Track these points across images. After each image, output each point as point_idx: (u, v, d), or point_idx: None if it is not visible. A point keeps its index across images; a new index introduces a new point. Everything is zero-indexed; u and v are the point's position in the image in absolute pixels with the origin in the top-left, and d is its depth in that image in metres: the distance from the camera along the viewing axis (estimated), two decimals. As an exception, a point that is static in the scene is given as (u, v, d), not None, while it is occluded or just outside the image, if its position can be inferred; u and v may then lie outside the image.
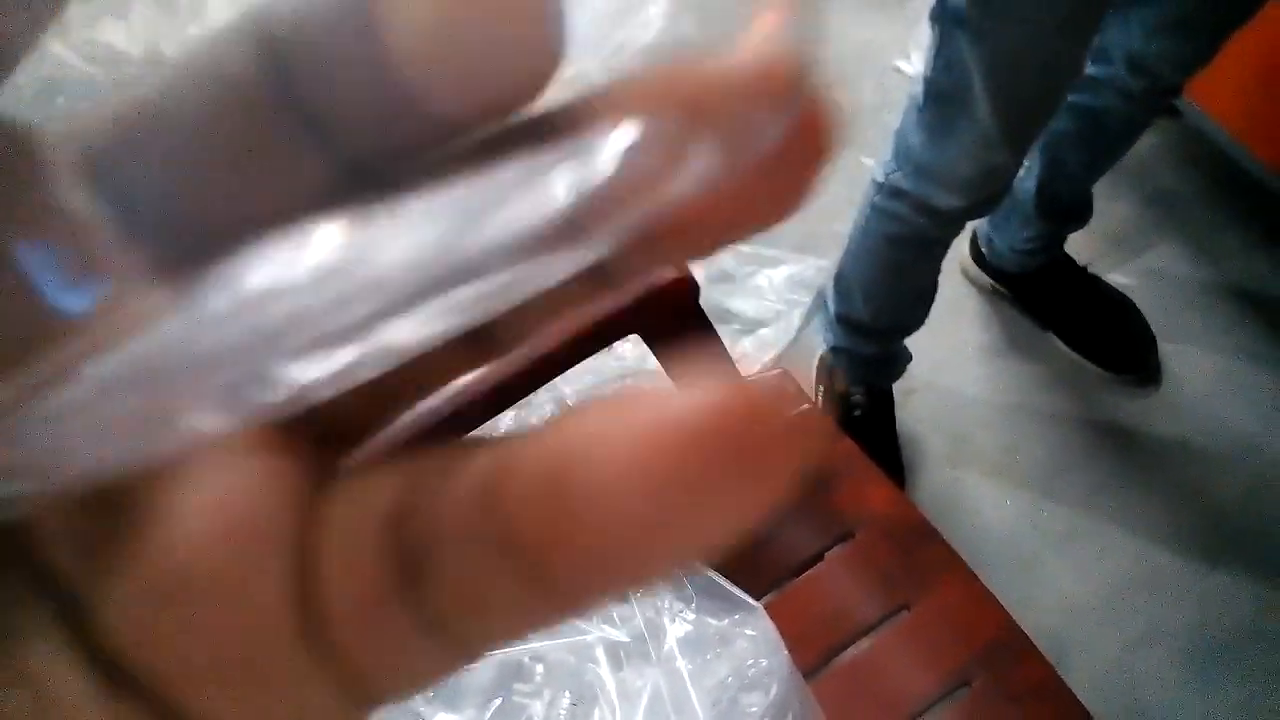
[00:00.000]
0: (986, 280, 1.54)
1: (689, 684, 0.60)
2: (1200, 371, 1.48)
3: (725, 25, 0.15)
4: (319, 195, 0.11)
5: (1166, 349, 1.49)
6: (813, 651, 0.86)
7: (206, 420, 0.11)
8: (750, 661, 0.60)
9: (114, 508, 0.12)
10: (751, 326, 1.56)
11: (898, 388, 1.43)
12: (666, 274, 0.71)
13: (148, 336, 0.11)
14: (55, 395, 0.10)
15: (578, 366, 0.68)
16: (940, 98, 1.02)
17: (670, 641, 0.63)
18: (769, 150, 0.12)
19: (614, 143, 0.11)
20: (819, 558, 0.91)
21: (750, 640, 0.62)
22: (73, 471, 0.10)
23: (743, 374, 0.97)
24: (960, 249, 1.54)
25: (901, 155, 1.12)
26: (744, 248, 1.76)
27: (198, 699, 0.12)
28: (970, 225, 1.50)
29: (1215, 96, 1.49)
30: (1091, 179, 1.34)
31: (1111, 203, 1.64)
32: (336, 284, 0.11)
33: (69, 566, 0.12)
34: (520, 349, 0.14)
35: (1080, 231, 1.52)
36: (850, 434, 1.39)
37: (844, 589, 0.90)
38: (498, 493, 0.11)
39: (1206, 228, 1.61)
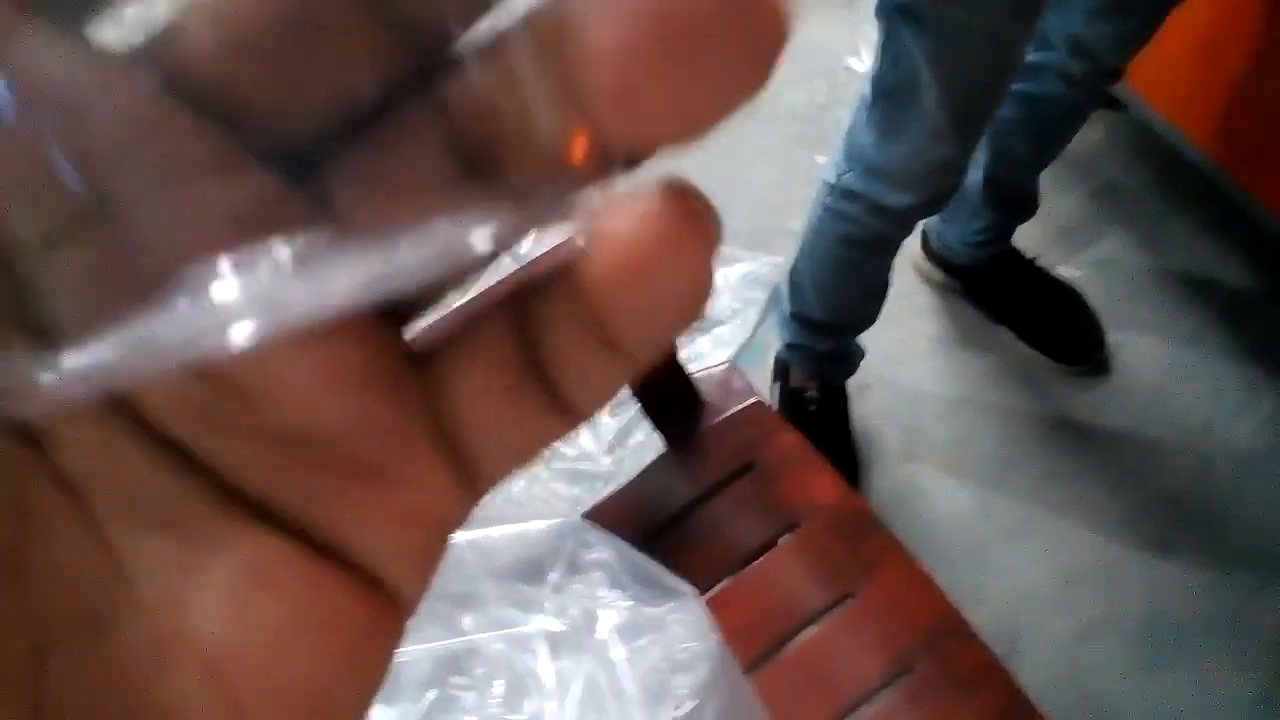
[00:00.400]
0: (938, 274, 1.55)
1: (621, 669, 0.60)
2: (1149, 360, 1.50)
3: None
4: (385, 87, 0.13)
5: (1116, 338, 1.51)
6: (759, 641, 0.86)
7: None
8: (682, 646, 0.60)
9: (224, 389, 0.14)
10: (708, 325, 1.56)
11: (853, 383, 1.44)
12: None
13: None
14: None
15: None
16: (889, 94, 1.03)
17: (604, 629, 0.64)
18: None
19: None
20: (765, 549, 0.91)
21: (682, 625, 0.62)
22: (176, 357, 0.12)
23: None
24: (912, 245, 1.55)
25: (852, 156, 1.13)
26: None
27: (334, 513, 0.15)
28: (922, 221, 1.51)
29: (1154, 85, 1.51)
30: (1038, 168, 1.35)
31: (1061, 195, 1.66)
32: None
33: (193, 433, 0.14)
34: None
35: (1030, 224, 1.54)
36: (806, 429, 1.40)
37: (790, 579, 0.90)
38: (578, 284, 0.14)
39: (1154, 218, 1.63)
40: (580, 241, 0.14)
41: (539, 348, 0.14)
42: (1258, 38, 1.32)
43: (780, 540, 0.91)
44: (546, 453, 0.16)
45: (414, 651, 0.64)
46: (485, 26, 0.13)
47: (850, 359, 1.40)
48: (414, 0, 0.12)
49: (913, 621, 0.86)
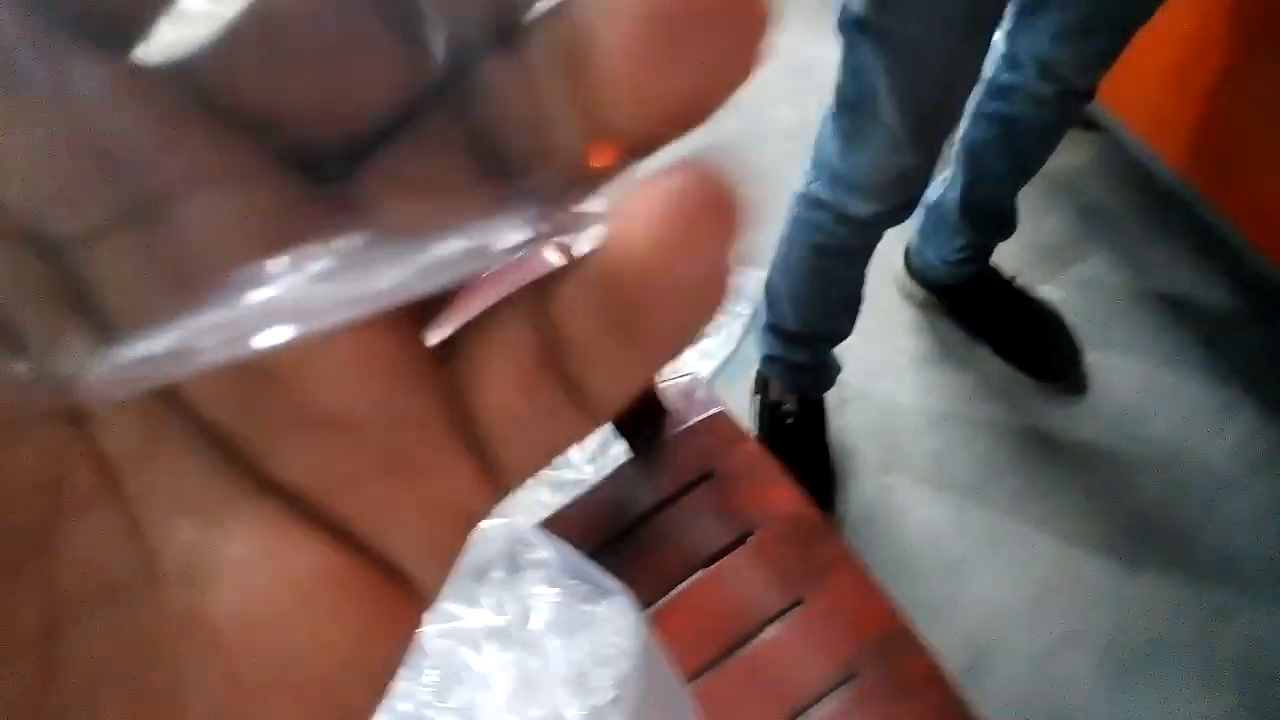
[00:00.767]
0: (920, 291, 1.57)
1: (551, 661, 0.62)
2: (1126, 379, 1.51)
3: None
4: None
5: (1094, 358, 1.52)
6: (709, 646, 0.88)
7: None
8: (609, 641, 0.62)
9: (261, 377, 0.15)
10: (691, 337, 1.58)
11: (832, 397, 1.46)
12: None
13: None
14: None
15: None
16: (849, 105, 1.05)
17: (538, 624, 0.66)
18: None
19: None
20: (720, 556, 0.93)
21: (611, 622, 0.64)
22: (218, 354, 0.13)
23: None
24: (895, 262, 1.57)
25: (819, 165, 1.15)
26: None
27: (357, 501, 0.15)
28: (904, 238, 1.53)
29: (1128, 107, 1.53)
30: (1014, 187, 1.37)
31: (1043, 216, 1.68)
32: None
33: (229, 418, 0.15)
34: None
35: (1013, 244, 1.55)
36: (784, 442, 1.42)
37: (741, 586, 0.92)
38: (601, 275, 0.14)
39: (1135, 240, 1.64)
40: (599, 233, 0.14)
41: (559, 340, 0.15)
42: (1225, 62, 1.34)
43: (734, 547, 0.93)
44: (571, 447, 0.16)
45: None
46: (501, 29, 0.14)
47: (826, 371, 1.42)
48: (438, 16, 0.13)
49: (861, 629, 0.88)
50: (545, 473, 0.18)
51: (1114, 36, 1.11)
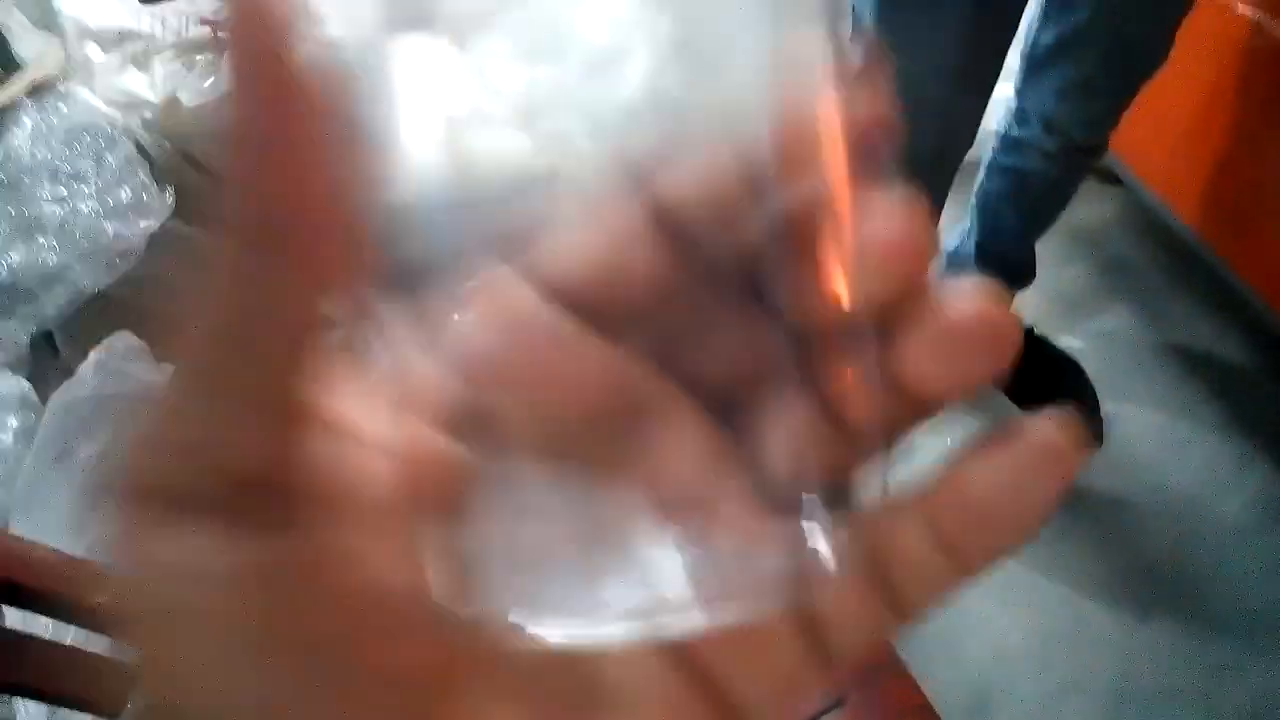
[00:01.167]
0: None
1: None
2: (1144, 431, 1.52)
3: (708, 81, 0.19)
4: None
5: (1113, 409, 1.53)
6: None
7: None
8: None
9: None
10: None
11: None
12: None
13: None
14: None
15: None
16: None
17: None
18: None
19: None
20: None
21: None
22: None
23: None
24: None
25: None
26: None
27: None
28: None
29: (1145, 162, 1.56)
30: (1028, 238, 1.40)
31: (1067, 268, 1.70)
32: None
33: None
34: None
35: (1034, 294, 1.58)
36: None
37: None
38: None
39: (1156, 293, 1.66)
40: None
41: (889, 556, 0.18)
42: (1237, 124, 1.37)
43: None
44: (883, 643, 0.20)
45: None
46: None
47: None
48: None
49: (849, 658, 0.90)
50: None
51: (1115, 97, 1.14)
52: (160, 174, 1.37)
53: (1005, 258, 1.43)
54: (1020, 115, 1.21)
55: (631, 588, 0.17)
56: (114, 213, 1.31)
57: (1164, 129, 1.48)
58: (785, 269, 0.17)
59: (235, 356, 0.16)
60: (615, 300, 0.17)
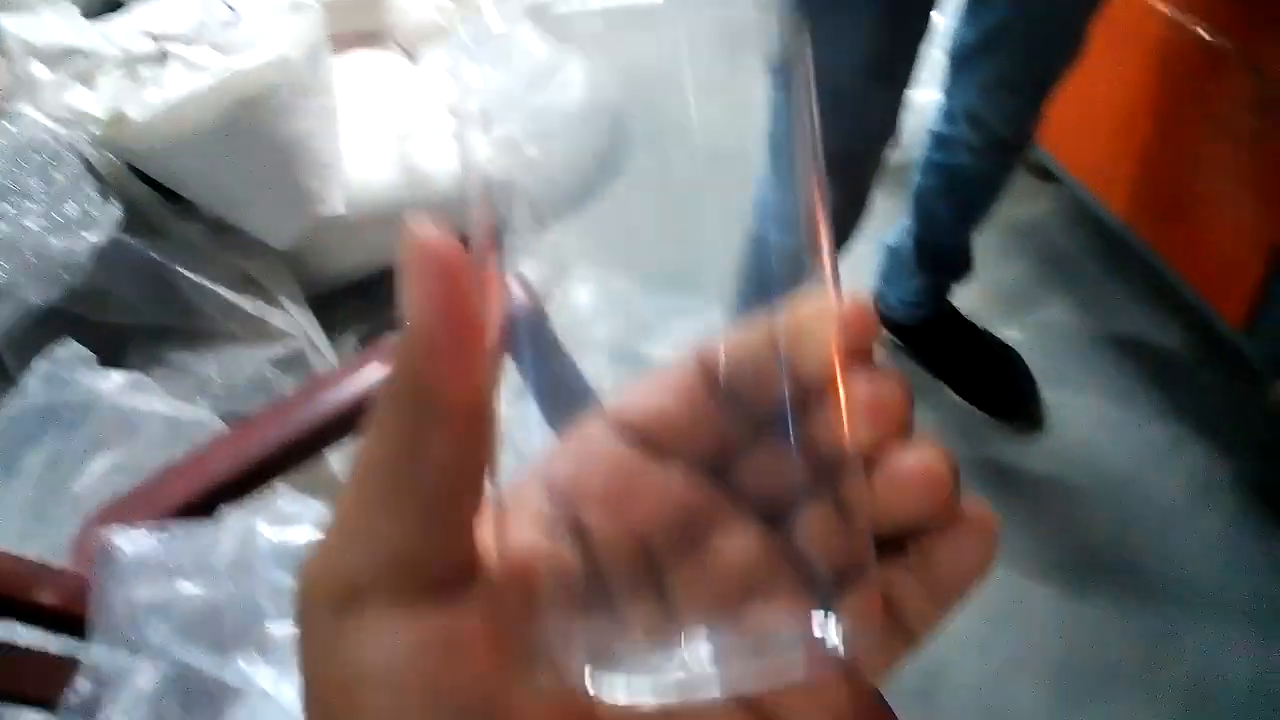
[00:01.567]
0: (882, 332, 1.63)
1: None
2: (1082, 417, 1.57)
3: (650, 91, 0.24)
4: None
5: (1052, 396, 1.58)
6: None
7: None
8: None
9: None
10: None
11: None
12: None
13: None
14: None
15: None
16: (774, 145, 1.13)
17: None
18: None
19: None
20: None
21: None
22: None
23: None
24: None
25: (757, 204, 1.23)
26: (660, 296, 1.87)
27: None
28: (869, 282, 1.61)
29: (1076, 158, 1.61)
30: (963, 232, 1.44)
31: (1006, 262, 1.75)
32: None
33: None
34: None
35: (975, 289, 1.63)
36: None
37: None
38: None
39: (1092, 285, 1.71)
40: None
41: (898, 606, 0.25)
42: (1161, 119, 1.42)
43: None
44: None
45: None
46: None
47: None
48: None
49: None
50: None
51: (1034, 93, 1.18)
52: (108, 188, 1.38)
53: (942, 252, 1.47)
54: (948, 113, 1.25)
55: (673, 666, 0.22)
56: (61, 228, 1.32)
57: (1093, 126, 1.53)
58: (802, 420, 0.23)
59: (398, 483, 0.21)
60: (678, 436, 0.24)
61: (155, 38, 1.47)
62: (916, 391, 0.26)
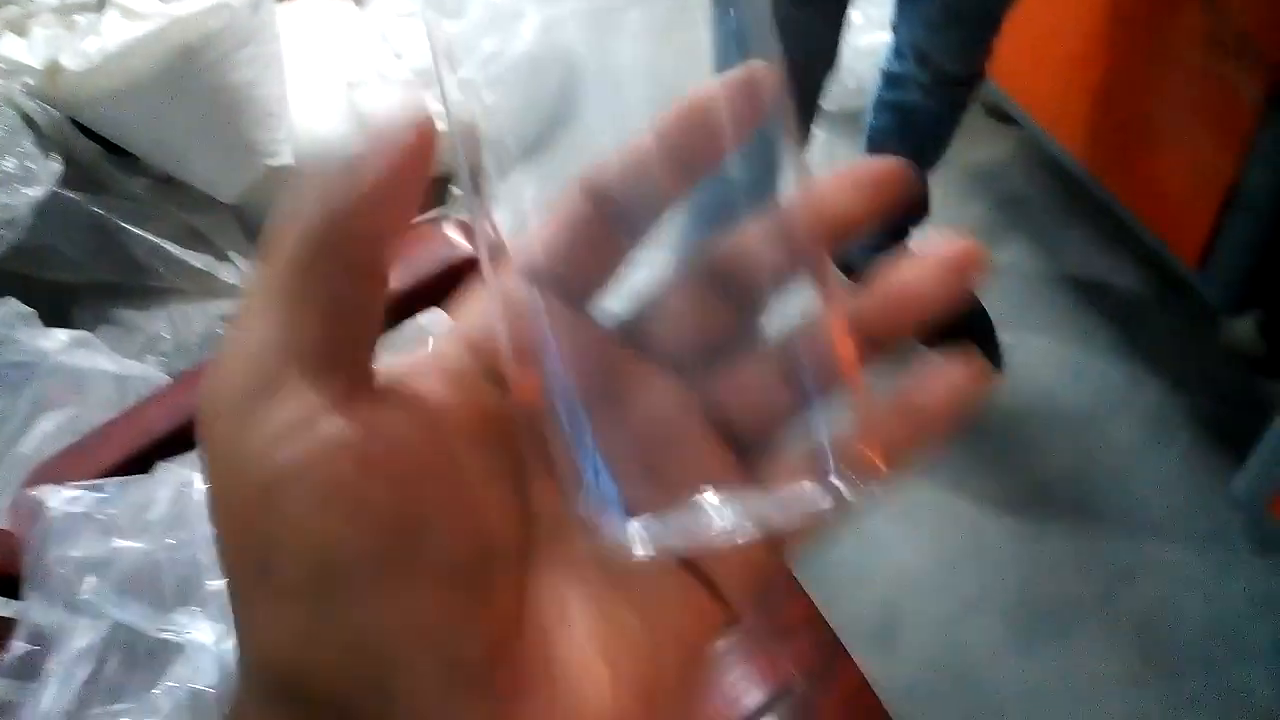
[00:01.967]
0: (842, 278, 1.63)
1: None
2: (1040, 358, 1.58)
3: (603, 35, 0.24)
4: None
5: (1011, 338, 1.58)
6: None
7: None
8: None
9: None
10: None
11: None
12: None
13: None
14: None
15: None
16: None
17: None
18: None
19: None
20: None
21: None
22: None
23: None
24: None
25: None
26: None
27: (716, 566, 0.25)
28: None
29: (1033, 98, 1.60)
30: (918, 174, 1.43)
31: (965, 205, 1.75)
32: None
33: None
34: None
35: (933, 233, 1.62)
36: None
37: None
38: None
39: (1050, 227, 1.71)
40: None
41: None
42: (1117, 55, 1.41)
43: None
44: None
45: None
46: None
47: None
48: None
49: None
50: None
51: (979, 25, 1.17)
52: (47, 142, 1.34)
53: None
54: (896, 50, 1.24)
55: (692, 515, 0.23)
56: (-1, 183, 1.28)
57: (1048, 64, 1.52)
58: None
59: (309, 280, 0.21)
60: (580, 271, 0.25)
61: (91, -16, 1.43)
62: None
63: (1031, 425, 1.51)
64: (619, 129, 0.25)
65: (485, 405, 0.23)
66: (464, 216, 0.97)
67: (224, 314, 1.35)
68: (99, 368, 1.19)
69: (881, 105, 1.32)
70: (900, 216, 1.51)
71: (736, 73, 0.24)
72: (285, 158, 1.43)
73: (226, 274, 1.38)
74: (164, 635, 0.60)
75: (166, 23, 1.31)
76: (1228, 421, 1.48)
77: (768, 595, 0.93)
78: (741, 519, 0.22)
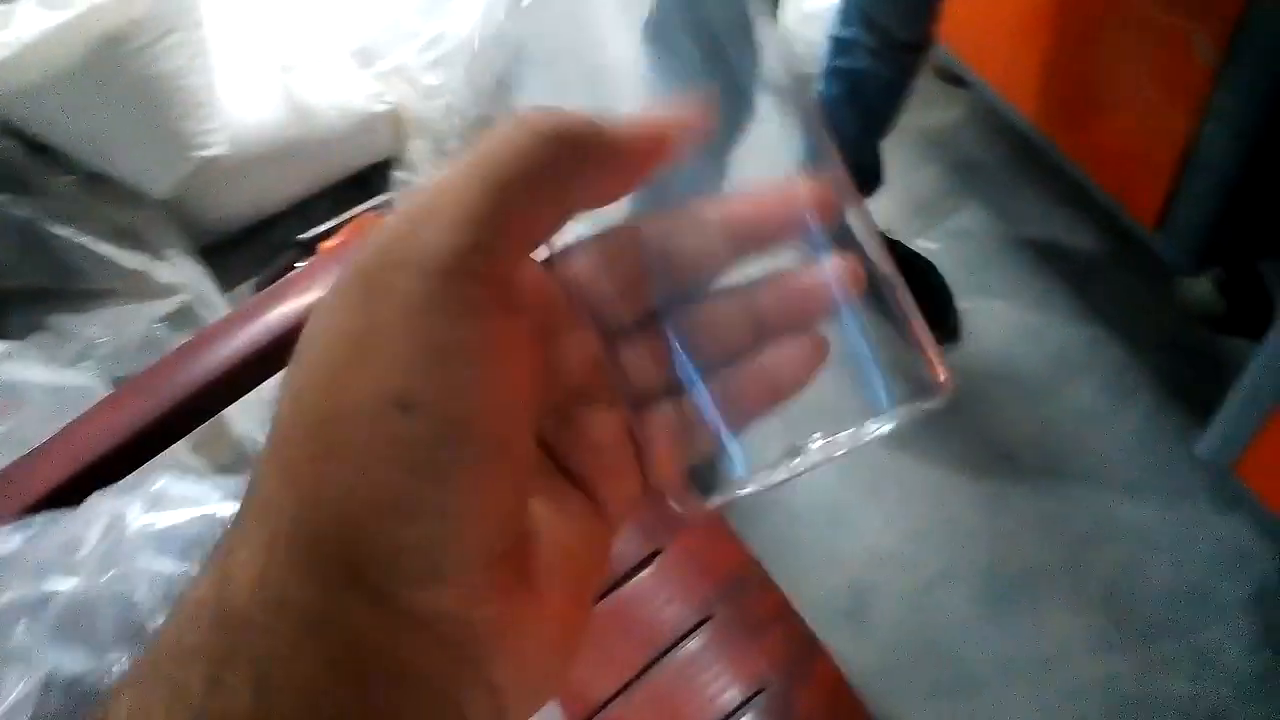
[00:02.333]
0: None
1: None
2: (998, 324, 1.57)
3: (540, 16, 0.25)
4: None
5: (969, 305, 1.57)
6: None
7: None
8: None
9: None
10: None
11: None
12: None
13: None
14: None
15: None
16: (653, 36, 1.08)
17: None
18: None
19: None
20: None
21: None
22: None
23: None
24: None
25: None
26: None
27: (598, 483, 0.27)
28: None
29: (985, 60, 1.58)
30: (870, 140, 1.41)
31: (919, 171, 1.73)
32: None
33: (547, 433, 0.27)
34: None
35: (888, 199, 1.60)
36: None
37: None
38: None
39: (1007, 191, 1.70)
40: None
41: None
42: (1069, 18, 1.39)
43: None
44: None
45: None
46: None
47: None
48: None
49: (713, 571, 0.91)
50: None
51: None
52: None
53: (850, 162, 1.43)
54: (844, 15, 1.21)
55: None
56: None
57: (998, 25, 1.50)
58: None
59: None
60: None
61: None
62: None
63: (992, 391, 1.50)
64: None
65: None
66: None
67: (162, 315, 1.30)
68: (34, 379, 1.13)
69: (832, 73, 1.30)
70: (854, 185, 1.49)
71: (820, 186, 0.28)
72: (217, 149, 1.37)
73: (163, 273, 1.33)
74: (102, 679, 0.57)
75: (84, 10, 1.25)
76: (1189, 381, 1.48)
77: (741, 587, 0.92)
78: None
